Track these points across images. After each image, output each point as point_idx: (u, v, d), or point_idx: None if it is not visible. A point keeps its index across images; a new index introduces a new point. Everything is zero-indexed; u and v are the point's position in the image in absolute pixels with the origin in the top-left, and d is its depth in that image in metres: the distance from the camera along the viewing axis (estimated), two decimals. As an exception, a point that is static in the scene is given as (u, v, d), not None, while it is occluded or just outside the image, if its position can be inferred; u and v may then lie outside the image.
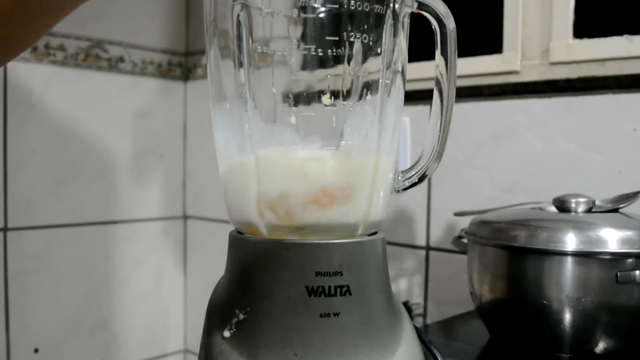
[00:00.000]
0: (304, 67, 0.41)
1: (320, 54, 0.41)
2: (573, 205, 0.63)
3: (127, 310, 1.32)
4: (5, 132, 1.11)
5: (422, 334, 0.47)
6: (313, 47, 0.41)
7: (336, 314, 0.40)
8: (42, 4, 0.40)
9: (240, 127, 0.43)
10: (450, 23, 0.45)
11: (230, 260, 0.44)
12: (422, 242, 0.98)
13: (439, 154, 0.47)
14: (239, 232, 0.45)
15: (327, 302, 0.40)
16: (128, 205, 1.31)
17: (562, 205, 0.64)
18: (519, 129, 0.88)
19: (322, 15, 0.40)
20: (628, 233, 0.56)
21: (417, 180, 0.47)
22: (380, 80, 0.43)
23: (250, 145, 0.42)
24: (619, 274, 0.55)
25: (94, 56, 1.23)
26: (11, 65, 1.11)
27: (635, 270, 0.55)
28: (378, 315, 0.42)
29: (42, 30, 0.43)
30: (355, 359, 0.40)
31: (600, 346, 0.58)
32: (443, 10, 0.45)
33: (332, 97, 0.42)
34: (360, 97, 0.42)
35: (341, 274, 0.40)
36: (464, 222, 0.72)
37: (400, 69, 0.45)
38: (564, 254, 0.57)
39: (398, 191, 0.47)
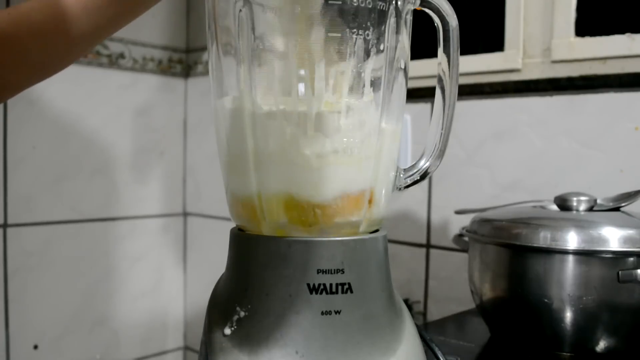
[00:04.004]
0: (305, 63, 0.41)
1: (323, 50, 0.40)
2: (574, 204, 0.63)
3: (126, 307, 1.32)
4: (5, 128, 1.11)
5: (423, 332, 0.47)
6: (315, 43, 0.40)
7: (337, 312, 0.40)
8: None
9: (241, 123, 0.42)
10: (453, 20, 0.45)
11: (231, 257, 0.44)
12: (422, 240, 0.98)
13: (441, 152, 0.47)
14: (240, 229, 0.45)
15: (329, 299, 0.40)
16: (128, 202, 1.30)
17: (563, 203, 0.64)
18: (521, 127, 0.87)
19: (324, 11, 0.40)
20: (629, 232, 0.56)
21: (418, 177, 0.47)
22: (383, 78, 0.43)
23: (252, 142, 0.42)
24: (620, 272, 0.55)
25: (94, 52, 1.22)
26: (11, 61, 1.11)
27: (637, 269, 0.55)
28: (379, 313, 0.42)
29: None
30: (357, 356, 0.40)
31: (601, 345, 0.58)
32: (446, 7, 0.44)
33: (335, 94, 0.41)
34: (363, 94, 0.42)
35: (343, 271, 0.40)
36: (465, 220, 0.72)
37: (402, 66, 0.44)
38: (565, 252, 0.57)
39: (400, 189, 0.47)
